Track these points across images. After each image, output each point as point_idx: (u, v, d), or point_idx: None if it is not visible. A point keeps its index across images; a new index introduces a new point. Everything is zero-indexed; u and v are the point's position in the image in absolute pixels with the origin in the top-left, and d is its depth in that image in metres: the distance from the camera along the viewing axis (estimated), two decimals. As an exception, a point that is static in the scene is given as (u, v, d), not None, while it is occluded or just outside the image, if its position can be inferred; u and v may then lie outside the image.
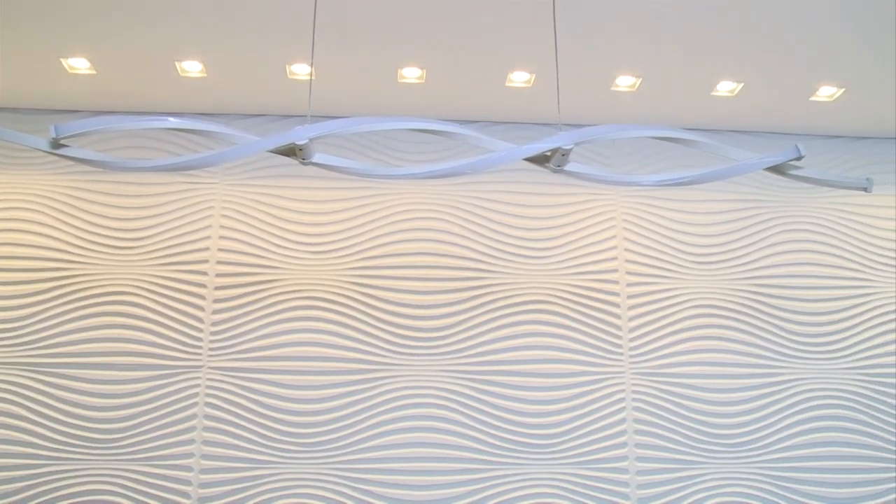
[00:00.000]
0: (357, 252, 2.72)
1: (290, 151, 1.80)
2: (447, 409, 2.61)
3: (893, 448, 2.74)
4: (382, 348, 2.64)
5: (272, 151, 1.78)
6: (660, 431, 2.66)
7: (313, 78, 2.57)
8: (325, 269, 2.69)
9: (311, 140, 1.74)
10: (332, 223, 2.74)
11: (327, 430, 2.55)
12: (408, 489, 2.53)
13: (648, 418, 2.67)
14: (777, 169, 1.93)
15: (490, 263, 2.76)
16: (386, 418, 2.58)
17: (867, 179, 2.04)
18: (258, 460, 2.50)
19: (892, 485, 2.71)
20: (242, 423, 2.53)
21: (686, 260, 2.83)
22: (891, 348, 2.83)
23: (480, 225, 2.79)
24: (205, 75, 2.56)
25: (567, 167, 1.86)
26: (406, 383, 2.62)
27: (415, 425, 2.59)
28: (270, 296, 2.65)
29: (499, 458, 2.59)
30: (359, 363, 2.62)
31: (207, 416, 2.52)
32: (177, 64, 2.50)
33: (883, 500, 2.69)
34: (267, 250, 2.69)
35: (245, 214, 2.72)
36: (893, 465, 2.73)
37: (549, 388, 2.66)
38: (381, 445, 2.56)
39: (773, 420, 2.72)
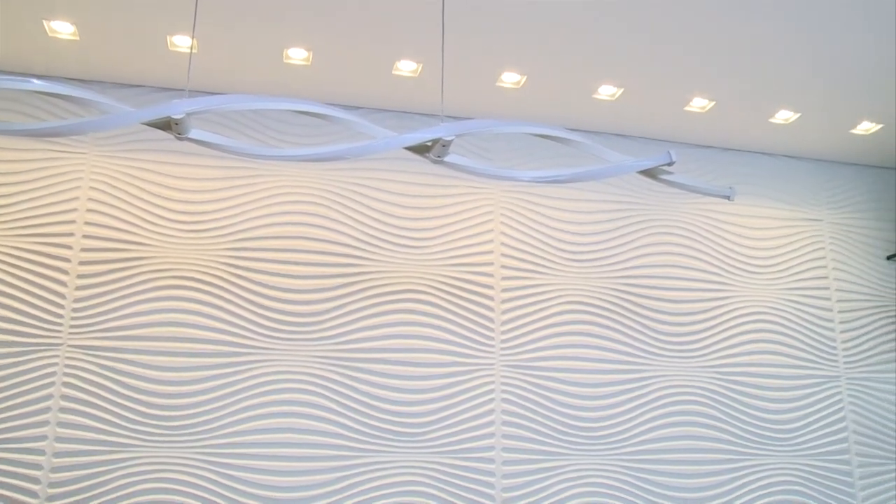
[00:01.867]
0: (232, 233, 2.65)
1: (166, 125, 1.74)
2: (317, 396, 2.59)
3: (740, 442, 2.91)
4: (254, 332, 2.59)
5: (147, 124, 1.72)
6: (526, 423, 2.73)
7: (195, 51, 2.49)
8: (198, 249, 2.61)
9: (188, 115, 1.69)
10: (206, 202, 2.67)
11: (193, 414, 2.48)
12: (274, 475, 2.50)
13: (516, 410, 2.73)
14: (649, 173, 2.01)
15: (367, 251, 2.75)
16: (254, 403, 2.54)
17: (730, 188, 2.15)
18: (118, 443, 2.41)
19: (737, 474, 2.87)
20: (103, 404, 2.43)
21: (560, 257, 2.90)
22: (744, 349, 3.00)
23: (359, 212, 2.77)
24: (77, 38, 2.43)
25: (447, 158, 1.87)
26: (276, 368, 2.58)
27: (283, 410, 2.55)
28: (139, 273, 2.55)
29: (367, 445, 2.59)
30: (229, 346, 2.56)
31: (65, 397, 2.41)
32: (45, 23, 2.36)
33: (727, 488, 2.85)
34: (138, 226, 2.59)
35: (116, 188, 2.61)
36: (739, 458, 2.89)
37: (421, 378, 2.68)
38: (249, 430, 2.51)
39: (634, 414, 2.83)
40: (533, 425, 2.73)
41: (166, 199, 2.64)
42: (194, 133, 1.78)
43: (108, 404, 2.43)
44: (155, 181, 2.64)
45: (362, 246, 2.75)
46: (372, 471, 2.57)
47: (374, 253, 2.75)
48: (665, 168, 1.98)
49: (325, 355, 2.63)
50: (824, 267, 3.18)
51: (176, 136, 1.76)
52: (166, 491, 2.41)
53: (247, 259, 2.64)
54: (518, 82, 2.68)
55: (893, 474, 3.03)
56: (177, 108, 1.66)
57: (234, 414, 2.51)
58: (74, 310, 2.48)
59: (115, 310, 2.51)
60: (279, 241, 2.69)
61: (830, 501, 2.94)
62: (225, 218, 2.66)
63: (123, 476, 2.39)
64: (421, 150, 1.85)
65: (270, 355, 2.58)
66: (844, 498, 2.95)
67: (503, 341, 2.77)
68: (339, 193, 2.78)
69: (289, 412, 2.56)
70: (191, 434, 2.46)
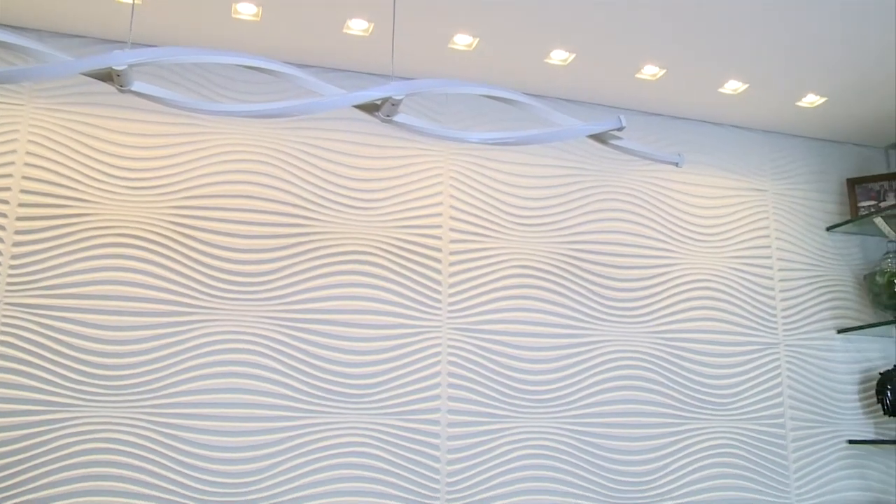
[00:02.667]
0: (176, 191, 2.60)
1: (108, 76, 1.69)
2: (262, 356, 2.57)
3: (681, 406, 2.97)
4: (198, 291, 2.55)
5: (87, 74, 1.66)
6: (472, 386, 2.75)
7: (138, 2, 2.41)
8: (142, 207, 2.55)
9: (130, 66, 1.64)
10: (150, 159, 2.60)
11: (136, 374, 2.44)
12: (218, 435, 2.48)
13: (462, 372, 2.75)
14: (599, 137, 2.02)
15: (314, 211, 2.72)
16: (198, 363, 2.51)
17: (679, 155, 2.17)
18: (58, 403, 2.36)
19: (677, 437, 2.94)
20: (42, 363, 2.38)
21: (508, 221, 2.91)
22: (687, 315, 3.06)
23: (306, 171, 2.74)
24: (15, -15, 2.34)
25: (396, 118, 1.85)
26: (221, 328, 2.55)
27: (228, 371, 2.53)
28: (80, 230, 2.49)
29: (313, 406, 2.58)
30: (172, 305, 2.52)
31: (2, 356, 2.35)
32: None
33: (668, 451, 2.91)
34: (79, 182, 2.52)
35: (55, 142, 2.53)
36: (680, 421, 2.96)
37: (367, 339, 2.68)
38: (193, 391, 2.49)
39: (579, 378, 2.87)
40: (479, 388, 2.76)
41: (109, 154, 2.57)
42: (137, 86, 1.73)
43: (48, 363, 2.38)
44: (97, 136, 2.57)
45: (309, 206, 2.72)
46: (317, 432, 2.57)
47: (322, 213, 2.72)
48: (615, 133, 1.99)
49: (271, 316, 2.60)
50: (767, 237, 3.24)
51: (118, 89, 1.71)
52: (108, 451, 2.38)
53: (191, 217, 2.60)
54: (470, 44, 2.66)
55: (822, 437, 3.14)
56: (118, 59, 1.61)
57: (178, 374, 2.48)
58: (11, 267, 2.41)
59: (54, 267, 2.45)
60: (225, 200, 2.64)
61: (764, 463, 3.03)
62: (169, 175, 2.61)
63: (64, 437, 2.35)
64: (370, 108, 1.82)
65: (215, 315, 2.55)
66: (777, 459, 3.05)
67: (450, 304, 2.78)
68: (287, 152, 2.74)
69: (233, 373, 2.53)
70: (133, 394, 2.43)
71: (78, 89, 2.57)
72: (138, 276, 2.51)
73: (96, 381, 2.41)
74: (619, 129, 1.93)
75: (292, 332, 2.61)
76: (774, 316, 3.16)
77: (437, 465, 2.67)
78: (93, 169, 2.54)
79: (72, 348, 2.41)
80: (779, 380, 3.11)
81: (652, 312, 3.01)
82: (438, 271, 2.79)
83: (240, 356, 2.55)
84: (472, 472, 2.70)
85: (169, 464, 2.43)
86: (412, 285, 2.75)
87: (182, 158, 2.63)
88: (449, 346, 2.75)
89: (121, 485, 2.38)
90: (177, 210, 2.58)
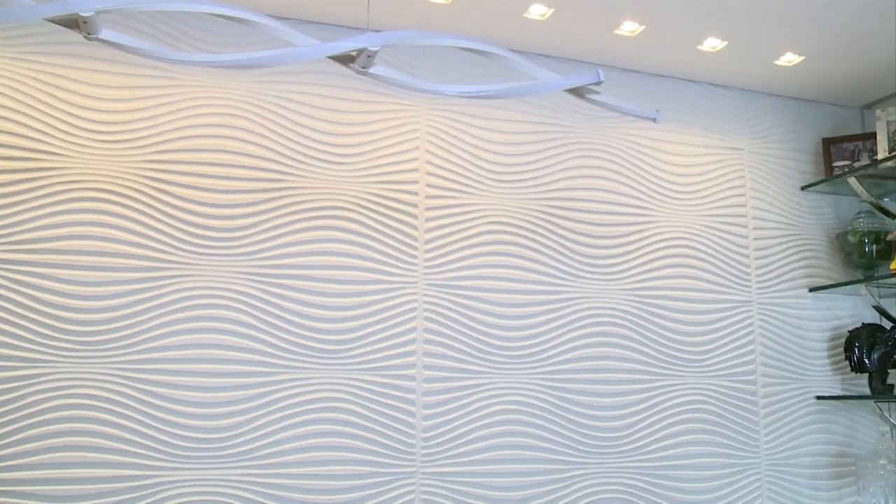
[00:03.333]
0: (149, 144, 2.56)
1: (74, 23, 1.64)
2: (237, 312, 2.56)
3: (655, 363, 3.00)
4: (172, 246, 2.53)
5: (52, 21, 1.61)
6: (448, 342, 2.76)
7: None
8: (114, 160, 2.51)
9: (97, 13, 1.59)
10: (122, 111, 2.56)
11: (110, 329, 2.42)
12: (193, 390, 2.47)
13: (438, 328, 2.75)
14: (577, 92, 2.00)
15: (289, 165, 2.69)
16: (173, 318, 2.49)
17: (657, 111, 2.16)
18: (31, 359, 2.34)
19: (650, 393, 2.97)
20: (14, 318, 2.35)
21: (485, 177, 2.90)
22: (662, 273, 3.07)
23: (281, 125, 2.71)
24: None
25: (372, 70, 1.83)
26: (195, 283, 2.53)
27: (202, 326, 2.52)
28: (50, 184, 2.45)
29: (288, 362, 2.58)
30: (146, 260, 2.50)
31: (-29, 310, 2.32)
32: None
33: (641, 406, 2.95)
34: (48, 135, 2.47)
35: (22, 93, 2.47)
36: (653, 378, 2.99)
37: (343, 295, 2.67)
38: (167, 346, 2.47)
39: (554, 335, 2.89)
40: (454, 344, 2.77)
41: (79, 107, 2.52)
42: (105, 34, 1.68)
43: (20, 319, 2.36)
44: (67, 88, 2.52)
45: (285, 161, 2.69)
46: (293, 387, 2.58)
47: (297, 168, 2.69)
48: (592, 87, 1.97)
49: (246, 271, 2.59)
50: (743, 195, 3.26)
51: (85, 37, 1.66)
52: (82, 406, 2.37)
53: (165, 172, 2.56)
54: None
55: (791, 393, 3.19)
56: (85, 5, 1.57)
57: (152, 330, 2.47)
58: (-20, 220, 2.37)
59: (24, 222, 2.41)
60: (199, 154, 2.60)
61: (735, 418, 3.08)
62: (142, 129, 2.56)
63: (37, 392, 2.34)
64: (345, 60, 1.79)
65: (189, 270, 2.53)
66: (747, 415, 3.10)
67: (426, 260, 2.78)
68: (262, 106, 2.70)
69: (208, 328, 2.52)
70: (107, 350, 2.41)
71: (45, 38, 2.51)
72: (111, 230, 2.48)
73: (69, 337, 2.39)
74: (597, 84, 1.91)
75: (268, 288, 2.60)
76: (748, 274, 3.19)
77: (412, 421, 2.68)
78: (63, 122, 2.49)
79: (44, 304, 2.38)
80: (751, 337, 3.15)
81: (627, 269, 3.03)
82: (415, 227, 2.78)
83: (215, 311, 2.54)
84: (448, 427, 2.72)
85: (144, 419, 2.42)
86: (388, 241, 2.74)
87: (155, 111, 2.58)
88: (425, 302, 2.75)
89: (95, 440, 2.37)
90: (150, 164, 2.55)
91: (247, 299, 2.57)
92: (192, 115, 2.61)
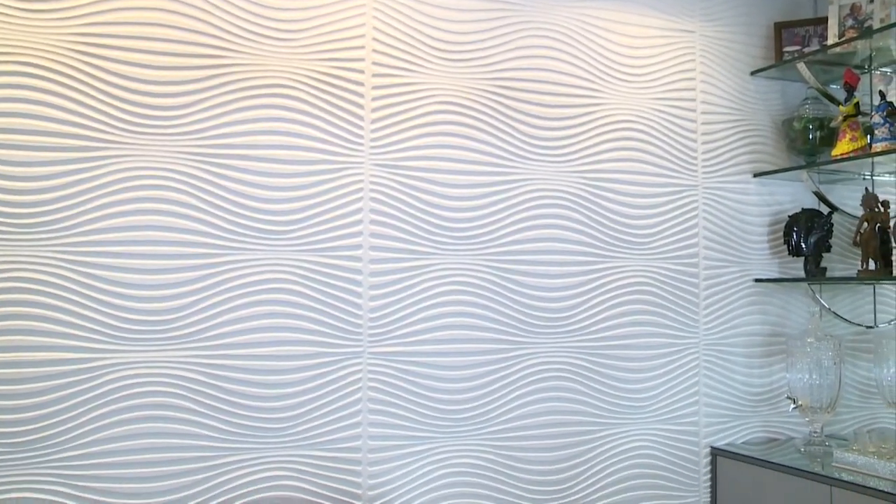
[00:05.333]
0: (79, 16, 2.41)
1: None
2: (178, 192, 2.49)
3: (601, 245, 3.04)
4: (108, 125, 2.42)
5: None
6: (394, 223, 2.74)
7: None
8: (41, 32, 2.37)
9: None
10: (48, -22, 2.40)
11: (45, 211, 2.34)
12: (134, 272, 2.43)
13: (384, 209, 2.73)
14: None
15: (230, 41, 2.57)
16: (111, 200, 2.42)
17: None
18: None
19: (596, 274, 3.02)
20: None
21: (433, 56, 2.82)
22: (610, 155, 3.07)
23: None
24: None
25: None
26: (135, 164, 2.45)
27: (143, 208, 2.45)
28: (-27, 57, 2.31)
29: (232, 243, 2.54)
30: (81, 139, 2.40)
31: None
32: None
33: (586, 288, 3.00)
34: (-33, 3, 2.31)
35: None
36: (599, 259, 3.04)
37: (287, 175, 2.62)
38: (106, 228, 2.41)
39: (501, 216, 2.89)
40: (401, 224, 2.75)
41: (-1, -28, 2.35)
42: None
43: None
44: (-15, -49, 2.34)
45: (225, 36, 2.57)
46: (238, 269, 2.55)
47: (238, 44, 2.58)
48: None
49: (187, 151, 2.51)
50: (693, 79, 3.24)
51: None
52: (19, 290, 2.31)
53: (97, 46, 2.43)
54: None
55: (731, 276, 3.28)
56: None
57: (90, 212, 2.39)
58: None
59: (-52, 96, 2.29)
60: (133, 28, 2.47)
61: (676, 300, 3.16)
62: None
63: (-28, 274, 2.28)
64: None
65: (127, 150, 2.44)
66: (689, 297, 3.18)
67: (373, 140, 2.72)
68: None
69: (148, 209, 2.46)
70: (44, 233, 2.34)
71: None
72: (40, 108, 2.36)
73: (1, 220, 2.30)
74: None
75: (210, 168, 2.53)
76: (695, 158, 3.21)
77: (359, 301, 2.69)
78: (-18, -12, 2.33)
79: (-27, 182, 2.29)
80: (695, 221, 3.20)
81: (575, 152, 3.02)
82: (361, 106, 2.71)
83: (155, 192, 2.47)
84: (394, 307, 2.74)
85: (86, 301, 2.38)
86: (334, 120, 2.68)
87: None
88: (371, 182, 2.72)
89: (35, 323, 2.33)
90: (81, 38, 2.41)
91: (188, 179, 2.50)
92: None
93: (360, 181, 2.70)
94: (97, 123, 2.41)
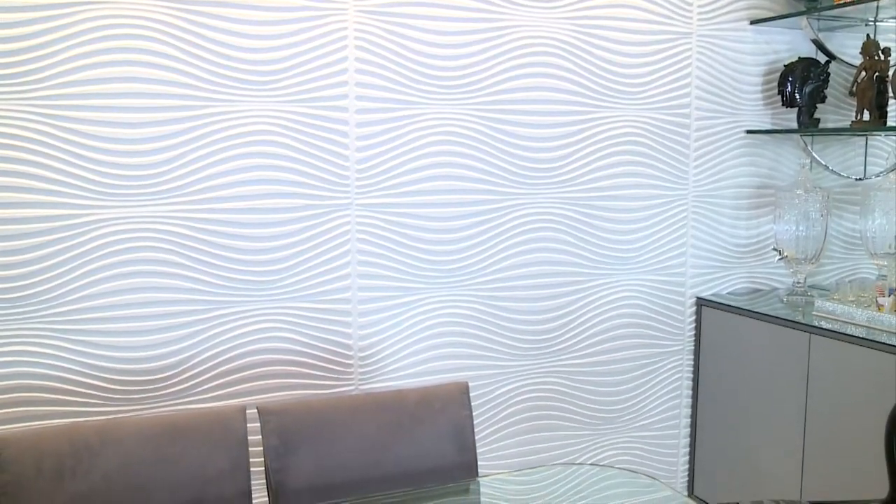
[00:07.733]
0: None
1: None
2: (157, 42, 2.39)
3: (592, 94, 2.97)
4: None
5: None
6: (381, 71, 2.67)
7: None
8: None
9: None
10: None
11: (17, 62, 2.25)
12: (116, 126, 2.37)
13: (370, 58, 2.65)
14: None
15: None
16: (89, 50, 2.31)
17: None
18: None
19: (585, 125, 2.97)
20: None
21: None
22: (602, 1, 2.95)
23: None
24: None
25: None
26: (112, 11, 2.32)
27: (122, 59, 2.36)
28: None
29: (217, 94, 2.47)
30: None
31: None
32: None
33: (576, 139, 2.96)
34: None
35: None
36: (590, 110, 2.98)
37: (269, 23, 2.51)
38: (85, 80, 2.32)
39: (490, 64, 2.81)
40: (388, 73, 2.67)
41: None
42: None
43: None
44: None
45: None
46: (222, 120, 2.49)
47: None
48: None
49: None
50: (691, -81, 3.09)
51: None
52: (-2, 143, 2.26)
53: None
54: None
55: (722, 127, 3.24)
56: None
57: (67, 62, 2.29)
58: None
59: None
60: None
61: (667, 150, 3.13)
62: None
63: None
64: None
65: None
66: (679, 148, 3.15)
67: (356, -17, 2.61)
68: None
69: (127, 60, 2.36)
70: (18, 84, 2.25)
71: None
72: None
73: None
74: None
75: (187, 17, 2.42)
76: (690, 4, 3.10)
77: (346, 153, 2.65)
78: None
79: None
80: (688, 70, 3.12)
81: (567, -2, 2.90)
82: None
83: (133, 42, 2.37)
84: (382, 158, 2.70)
85: (68, 157, 2.33)
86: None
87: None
88: (356, 31, 2.61)
89: (18, 180, 2.28)
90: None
91: (167, 28, 2.39)
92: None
93: (345, 28, 2.60)
94: None
